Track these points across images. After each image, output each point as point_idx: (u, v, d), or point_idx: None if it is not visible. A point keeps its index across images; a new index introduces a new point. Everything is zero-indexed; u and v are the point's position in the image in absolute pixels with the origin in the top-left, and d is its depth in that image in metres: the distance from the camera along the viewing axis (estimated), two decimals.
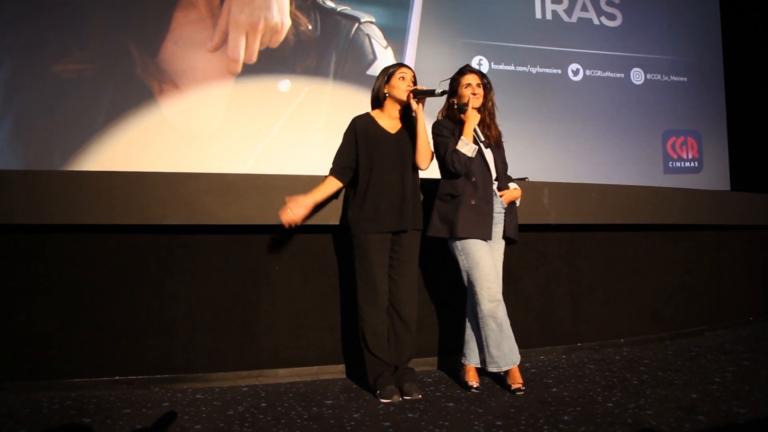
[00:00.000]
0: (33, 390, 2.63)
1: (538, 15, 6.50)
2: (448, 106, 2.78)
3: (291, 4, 5.65)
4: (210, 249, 2.90)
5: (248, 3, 5.52)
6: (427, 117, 2.77)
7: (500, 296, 2.65)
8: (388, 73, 2.71)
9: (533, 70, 6.38)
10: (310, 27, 5.70)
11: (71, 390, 2.67)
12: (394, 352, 2.69)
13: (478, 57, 6.17)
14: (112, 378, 2.75)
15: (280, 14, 5.60)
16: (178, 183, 2.77)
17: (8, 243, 2.71)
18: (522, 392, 2.62)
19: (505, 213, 2.75)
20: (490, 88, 2.78)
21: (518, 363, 2.68)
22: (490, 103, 2.78)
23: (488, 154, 2.74)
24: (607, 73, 6.67)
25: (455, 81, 2.77)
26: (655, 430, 2.13)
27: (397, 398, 2.53)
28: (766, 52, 6.92)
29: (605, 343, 3.65)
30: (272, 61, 5.56)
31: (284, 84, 5.58)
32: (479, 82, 2.73)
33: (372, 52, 5.81)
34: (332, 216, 2.89)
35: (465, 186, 2.66)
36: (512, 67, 6.30)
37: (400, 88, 2.67)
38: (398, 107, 2.71)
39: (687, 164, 6.89)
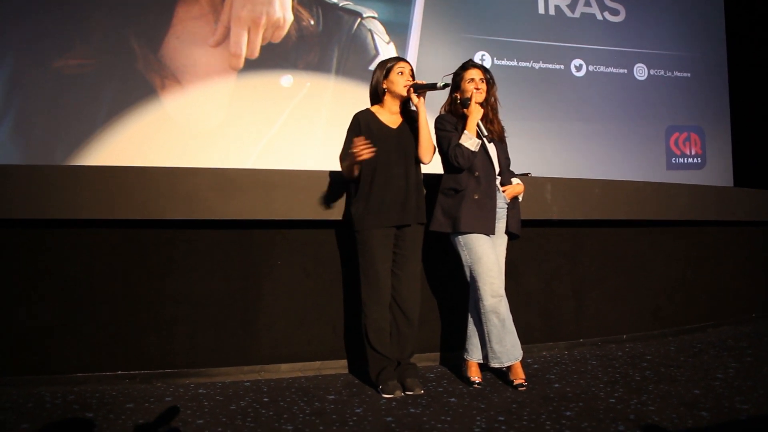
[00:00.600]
0: (36, 385, 2.64)
1: (541, 10, 6.46)
2: (451, 101, 2.78)
3: None
4: (212, 244, 2.90)
5: None
6: (429, 112, 2.77)
7: (503, 291, 2.64)
8: (386, 67, 2.68)
9: (536, 66, 6.35)
10: (312, 22, 5.68)
11: (74, 385, 2.67)
12: (396, 348, 2.69)
13: (481, 52, 6.15)
14: (115, 373, 2.75)
15: (282, 9, 5.58)
16: (180, 178, 2.77)
17: (10, 238, 2.71)
18: (524, 388, 2.62)
19: (507, 208, 2.75)
20: (493, 82, 2.77)
21: (520, 358, 2.68)
22: (492, 98, 2.78)
23: (491, 149, 2.73)
24: (610, 69, 6.64)
25: (458, 76, 2.76)
26: (657, 425, 2.13)
27: (399, 393, 2.53)
28: None
29: (608, 339, 3.64)
30: (274, 57, 5.54)
31: (286, 79, 5.57)
32: (482, 76, 2.72)
33: (374, 48, 5.79)
34: (334, 211, 2.89)
35: (468, 181, 2.65)
36: (515, 63, 6.28)
37: (399, 83, 2.65)
38: (398, 102, 2.70)
39: (690, 160, 6.86)
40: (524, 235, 2.90)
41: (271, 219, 2.86)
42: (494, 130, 2.77)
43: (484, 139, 2.69)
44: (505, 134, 2.86)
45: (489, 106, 2.77)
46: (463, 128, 2.65)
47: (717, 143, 6.98)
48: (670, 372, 2.89)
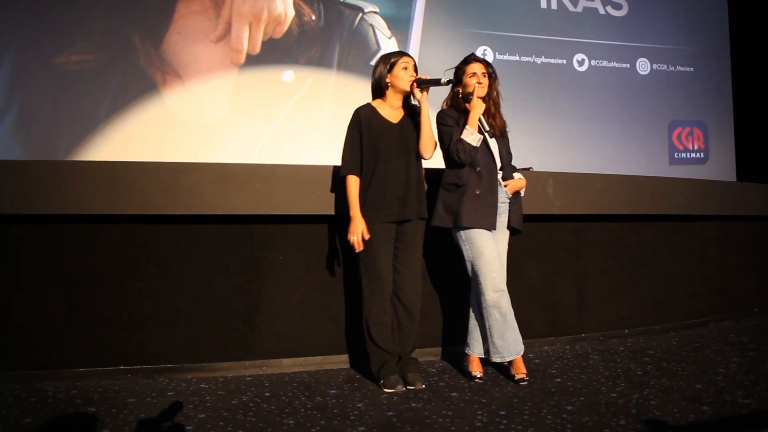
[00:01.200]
0: (38, 379, 2.65)
1: (543, 5, 6.44)
2: (453, 96, 2.77)
3: None
4: (213, 239, 2.90)
5: None
6: (431, 107, 2.76)
7: (504, 286, 2.64)
8: (389, 62, 2.66)
9: (538, 60, 6.34)
10: (313, 17, 5.67)
11: (76, 379, 2.68)
12: (397, 342, 2.69)
13: (483, 47, 6.13)
14: (117, 367, 2.76)
15: (284, 4, 5.58)
16: (181, 173, 2.77)
17: (12, 233, 2.72)
18: (525, 382, 2.62)
19: (509, 203, 2.74)
20: (496, 77, 2.75)
21: (522, 353, 2.67)
22: (495, 93, 2.76)
23: (493, 144, 2.73)
24: (613, 63, 6.62)
25: (460, 70, 2.75)
26: (659, 420, 2.13)
27: (400, 388, 2.53)
28: None
29: (609, 333, 3.64)
30: (276, 52, 5.54)
31: (288, 75, 5.56)
32: (484, 71, 2.71)
33: (376, 42, 5.78)
34: (336, 206, 2.88)
35: (469, 176, 2.64)
36: (517, 57, 6.26)
37: (404, 78, 2.63)
38: (400, 97, 2.69)
39: (693, 155, 6.85)
40: (526, 230, 2.90)
41: (273, 214, 2.85)
42: (496, 125, 2.76)
43: (486, 134, 2.68)
44: (507, 129, 2.84)
45: (491, 100, 2.75)
46: (465, 123, 2.64)
47: (720, 138, 6.96)
48: (672, 367, 2.89)
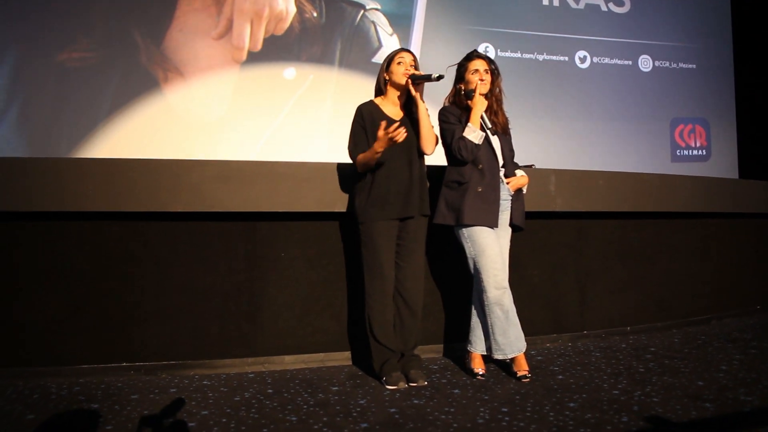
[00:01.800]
0: (42, 376, 2.65)
1: (545, 1, 6.43)
2: (455, 93, 2.76)
3: None
4: (215, 236, 2.90)
5: None
6: (433, 104, 2.76)
7: (506, 283, 2.64)
8: (388, 58, 2.68)
9: (540, 57, 6.32)
10: (315, 14, 5.66)
11: (79, 376, 2.69)
12: (400, 339, 2.69)
13: (485, 44, 6.12)
14: (120, 364, 2.77)
15: (285, 1, 5.56)
16: (183, 170, 2.77)
17: (15, 230, 2.72)
18: (528, 379, 2.62)
19: (511, 200, 2.74)
20: (498, 74, 2.75)
21: (524, 350, 2.67)
22: (497, 90, 2.75)
23: (495, 141, 2.72)
24: (615, 60, 6.60)
25: (462, 67, 2.74)
26: (661, 417, 2.13)
27: (402, 385, 2.54)
28: None
29: (611, 331, 3.64)
30: (277, 49, 5.53)
31: (289, 72, 5.56)
32: (487, 68, 2.70)
33: (377, 40, 5.77)
34: (338, 203, 2.88)
35: (472, 173, 2.64)
36: (519, 55, 6.25)
37: (398, 72, 2.63)
38: (400, 93, 2.68)
39: (695, 152, 6.83)
40: (528, 227, 2.90)
41: (275, 211, 2.85)
42: (498, 122, 2.76)
43: (488, 131, 2.68)
44: (509, 126, 2.84)
45: (493, 97, 2.75)
46: (467, 120, 2.64)
47: (722, 135, 6.94)
48: (674, 364, 2.89)
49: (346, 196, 2.88)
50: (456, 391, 2.50)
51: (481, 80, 2.67)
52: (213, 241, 2.90)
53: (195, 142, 5.26)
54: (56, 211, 2.67)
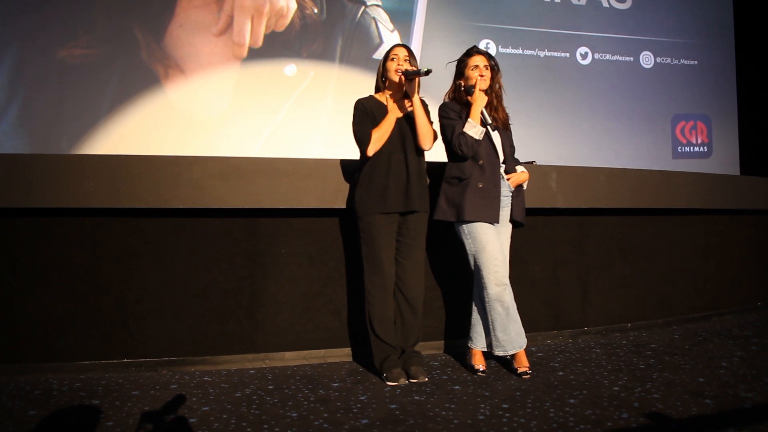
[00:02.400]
0: (43, 372, 2.66)
1: None
2: (455, 88, 2.75)
3: None
4: (216, 232, 2.91)
5: None
6: (433, 100, 2.75)
7: (507, 280, 2.64)
8: (384, 55, 2.69)
9: (541, 54, 6.31)
10: (315, 10, 5.65)
11: (81, 372, 2.69)
12: (400, 336, 2.69)
13: (486, 40, 6.11)
14: (121, 360, 2.77)
15: None
16: (184, 167, 2.76)
17: (16, 227, 2.73)
18: (528, 376, 2.62)
19: (512, 196, 2.73)
20: (498, 69, 2.74)
21: (525, 347, 2.67)
22: (497, 85, 2.75)
23: (495, 137, 2.72)
24: (616, 57, 6.59)
25: (462, 62, 2.73)
26: (661, 413, 2.13)
27: (403, 381, 2.54)
28: None
29: (612, 327, 3.64)
30: (278, 45, 5.53)
31: (290, 68, 5.55)
32: (486, 63, 2.70)
33: (378, 36, 5.77)
34: (338, 199, 2.88)
35: (472, 169, 2.64)
36: (520, 51, 6.24)
37: (391, 69, 2.64)
38: (397, 89, 2.68)
39: (696, 149, 6.82)
40: (529, 224, 2.90)
41: (276, 207, 2.86)
42: (499, 118, 2.75)
43: (489, 126, 2.67)
44: (510, 122, 2.83)
45: (493, 93, 2.74)
46: (468, 116, 2.63)
47: (723, 131, 6.93)
48: (675, 360, 2.89)
49: (346, 193, 2.88)
50: (456, 387, 2.50)
51: (481, 76, 2.67)
52: (214, 238, 2.90)
53: (196, 138, 5.26)
54: (57, 208, 2.68)
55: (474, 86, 2.65)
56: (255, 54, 5.47)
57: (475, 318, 2.78)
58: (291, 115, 5.51)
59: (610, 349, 3.14)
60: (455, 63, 2.78)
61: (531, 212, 2.95)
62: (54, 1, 5.06)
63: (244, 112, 5.40)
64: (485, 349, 2.75)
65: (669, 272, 3.91)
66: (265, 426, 2.05)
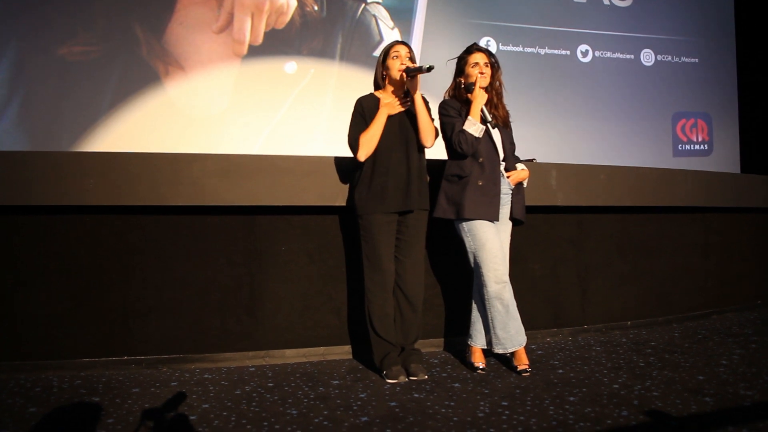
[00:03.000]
0: (43, 369, 2.67)
1: None
2: (455, 86, 2.75)
3: None
4: (216, 230, 2.91)
5: None
6: (433, 98, 2.75)
7: (507, 278, 2.64)
8: (383, 52, 2.68)
9: (541, 51, 6.30)
10: (316, 8, 5.64)
11: (81, 369, 2.70)
12: (400, 333, 2.69)
13: (486, 38, 6.10)
14: (121, 358, 2.78)
15: None
16: (184, 164, 2.76)
17: (16, 224, 2.73)
18: (528, 373, 2.62)
19: (512, 194, 2.73)
20: (498, 67, 2.74)
21: (524, 344, 2.68)
22: (497, 83, 2.74)
23: (496, 135, 2.72)
24: (617, 55, 6.58)
25: (462, 60, 2.73)
26: (661, 411, 2.13)
27: (403, 379, 2.54)
28: None
29: (612, 325, 3.64)
30: (278, 43, 5.52)
31: (290, 66, 5.55)
32: (487, 61, 2.69)
33: (378, 33, 5.76)
34: (338, 197, 2.88)
35: (472, 167, 2.64)
36: (520, 48, 6.23)
37: (393, 67, 2.62)
38: (398, 86, 2.67)
39: (697, 147, 6.82)
40: (529, 222, 2.90)
41: (276, 205, 2.86)
42: (499, 116, 2.75)
43: (489, 124, 2.67)
44: (510, 119, 2.83)
45: (494, 90, 2.74)
46: (468, 113, 2.63)
47: (724, 130, 6.92)
48: (675, 358, 2.89)
49: (346, 191, 2.88)
50: (456, 384, 2.50)
51: (481, 73, 2.66)
52: (214, 235, 2.91)
53: (196, 135, 5.26)
54: (57, 205, 2.68)
55: (474, 84, 2.65)
56: (255, 51, 5.46)
57: (475, 316, 2.78)
58: (291, 112, 5.50)
59: (610, 347, 3.15)
60: (455, 60, 2.78)
61: (531, 210, 2.95)
62: None
63: (245, 109, 5.39)
64: (485, 347, 2.75)
65: (669, 270, 3.91)
66: (265, 423, 2.05)
